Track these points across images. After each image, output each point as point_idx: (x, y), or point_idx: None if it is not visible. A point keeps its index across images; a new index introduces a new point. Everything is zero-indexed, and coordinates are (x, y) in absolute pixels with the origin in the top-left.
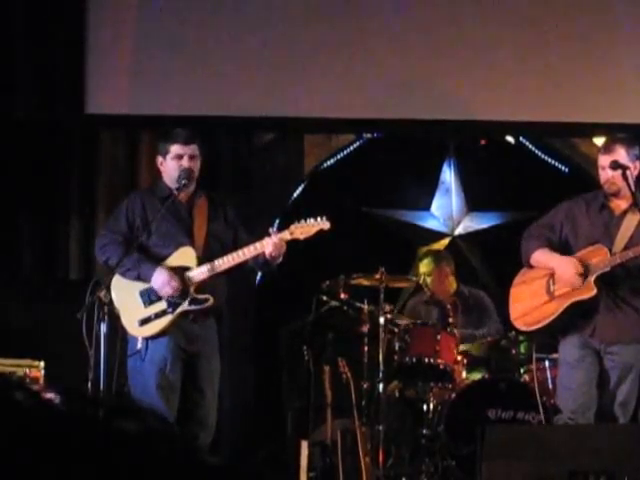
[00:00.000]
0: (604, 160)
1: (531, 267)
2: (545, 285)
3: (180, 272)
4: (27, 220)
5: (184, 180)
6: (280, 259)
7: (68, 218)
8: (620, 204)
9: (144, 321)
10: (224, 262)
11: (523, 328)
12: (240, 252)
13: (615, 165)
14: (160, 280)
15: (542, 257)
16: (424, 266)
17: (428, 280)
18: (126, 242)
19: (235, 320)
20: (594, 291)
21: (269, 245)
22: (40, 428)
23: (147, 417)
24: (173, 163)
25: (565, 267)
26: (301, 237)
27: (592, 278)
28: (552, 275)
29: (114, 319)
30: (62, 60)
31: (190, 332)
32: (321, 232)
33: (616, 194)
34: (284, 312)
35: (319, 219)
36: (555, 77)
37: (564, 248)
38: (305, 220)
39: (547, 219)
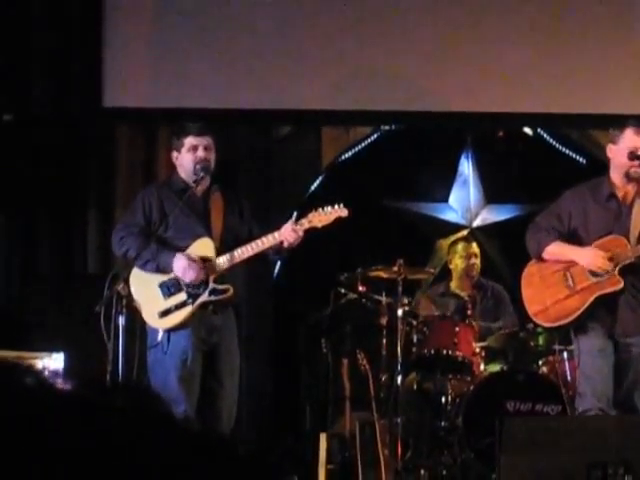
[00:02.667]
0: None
1: (541, 260)
2: (562, 279)
3: (200, 261)
4: (45, 215)
5: (201, 172)
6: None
7: (86, 212)
8: (628, 191)
9: (164, 313)
10: (244, 252)
11: (547, 324)
12: (259, 241)
13: (633, 156)
14: (181, 266)
15: (559, 250)
16: (465, 247)
17: (471, 262)
18: (143, 234)
19: (253, 313)
20: (621, 283)
21: (288, 233)
22: (41, 408)
23: (143, 395)
24: (188, 155)
25: (590, 257)
26: (319, 225)
27: (616, 270)
28: (568, 268)
29: (132, 312)
30: (78, 54)
31: (210, 323)
32: (339, 220)
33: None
34: (302, 305)
35: (336, 206)
36: (572, 68)
37: (573, 239)
38: (323, 208)
39: (554, 209)
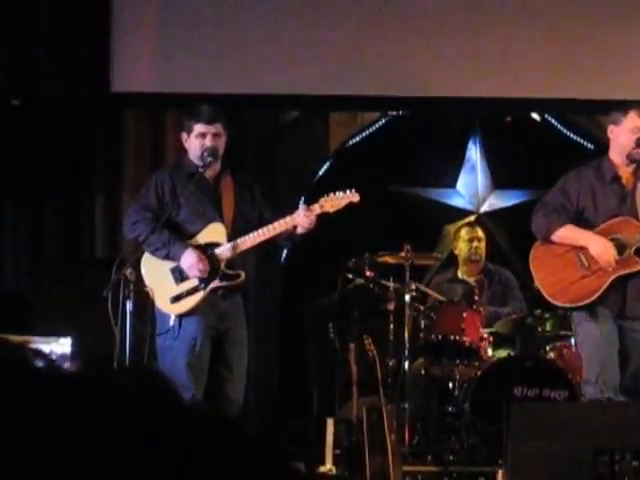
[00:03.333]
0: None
1: (550, 242)
2: (575, 259)
3: (210, 249)
4: (52, 199)
5: (209, 158)
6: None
7: (93, 197)
8: (629, 174)
9: (176, 298)
10: (255, 236)
11: (567, 304)
12: (270, 226)
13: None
14: (189, 261)
15: (570, 234)
16: (468, 232)
17: (474, 246)
18: (156, 219)
19: (261, 298)
20: None
21: (301, 218)
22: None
23: (147, 376)
24: (196, 142)
25: (601, 249)
26: (331, 210)
27: (632, 251)
28: (580, 249)
29: (140, 297)
30: (87, 38)
31: (220, 309)
32: (350, 205)
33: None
34: (310, 290)
35: (348, 191)
36: (581, 53)
37: (580, 219)
38: (335, 193)
39: (562, 188)
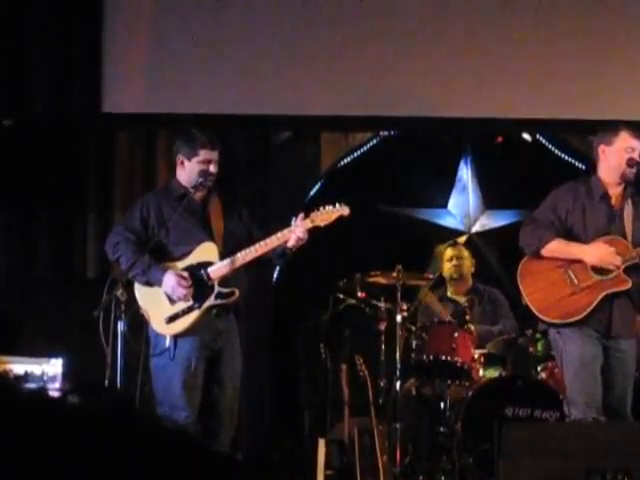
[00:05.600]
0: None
1: (539, 257)
2: (563, 276)
3: (204, 268)
4: (44, 219)
5: (208, 183)
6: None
7: (85, 217)
8: (617, 194)
9: (172, 318)
10: (248, 253)
11: (556, 320)
12: (263, 243)
13: (629, 151)
14: (170, 285)
15: (561, 247)
16: (451, 251)
17: (461, 263)
18: (139, 242)
19: (252, 318)
20: (629, 283)
21: (295, 232)
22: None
23: (104, 394)
24: (198, 166)
25: (599, 253)
26: (322, 224)
27: (621, 270)
28: (568, 266)
29: (132, 317)
30: (78, 59)
31: (214, 328)
32: (341, 218)
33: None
34: (301, 310)
35: (337, 205)
36: (572, 74)
37: (570, 236)
38: (324, 207)
39: (551, 204)
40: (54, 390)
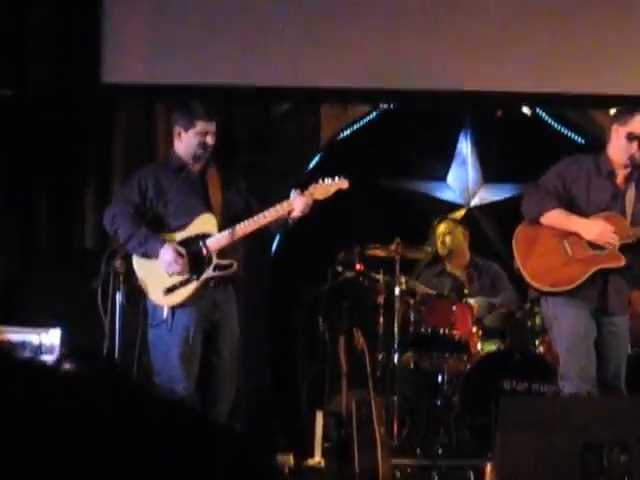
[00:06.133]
0: (623, 130)
1: (536, 224)
2: (558, 246)
3: (202, 239)
4: (43, 190)
5: (206, 155)
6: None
7: (84, 188)
8: (623, 175)
9: (170, 289)
10: (247, 225)
11: (545, 288)
12: (262, 215)
13: (632, 137)
14: (166, 259)
15: (561, 218)
16: (443, 227)
17: (447, 239)
18: (137, 214)
19: (250, 290)
20: (623, 260)
21: (298, 202)
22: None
23: (98, 360)
24: (195, 138)
25: (598, 229)
26: (320, 197)
27: (616, 246)
28: (565, 236)
29: (129, 288)
30: (78, 28)
31: (212, 299)
32: (339, 192)
33: (631, 166)
34: (299, 282)
35: (337, 178)
36: (572, 48)
37: (571, 206)
38: (323, 180)
39: (558, 172)
40: (50, 360)
